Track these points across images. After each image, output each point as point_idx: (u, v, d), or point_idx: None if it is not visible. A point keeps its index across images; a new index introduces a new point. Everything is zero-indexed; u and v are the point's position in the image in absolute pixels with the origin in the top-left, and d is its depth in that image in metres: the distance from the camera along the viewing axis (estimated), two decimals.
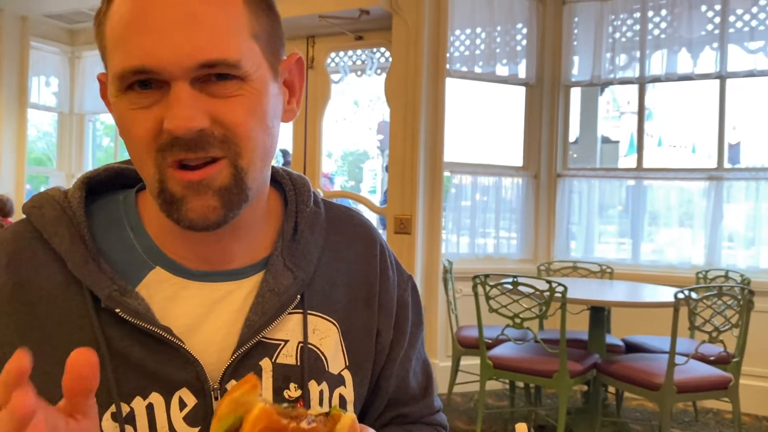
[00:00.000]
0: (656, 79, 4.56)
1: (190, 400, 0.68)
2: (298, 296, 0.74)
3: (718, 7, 4.30)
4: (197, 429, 0.68)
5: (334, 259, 0.80)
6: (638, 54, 4.51)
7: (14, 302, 0.67)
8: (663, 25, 4.45)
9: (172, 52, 0.60)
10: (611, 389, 3.76)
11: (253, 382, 0.54)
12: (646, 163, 4.64)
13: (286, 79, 0.72)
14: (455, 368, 3.77)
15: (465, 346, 3.68)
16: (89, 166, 6.20)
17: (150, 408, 0.67)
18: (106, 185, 0.77)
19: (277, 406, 0.54)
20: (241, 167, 0.64)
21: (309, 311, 0.75)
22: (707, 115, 4.57)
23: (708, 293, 2.94)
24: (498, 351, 3.28)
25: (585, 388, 3.65)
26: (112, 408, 0.66)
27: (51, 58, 5.95)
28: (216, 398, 0.68)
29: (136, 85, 0.61)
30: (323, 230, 0.80)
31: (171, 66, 0.60)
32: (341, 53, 4.89)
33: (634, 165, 4.70)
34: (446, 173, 4.51)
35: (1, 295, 0.68)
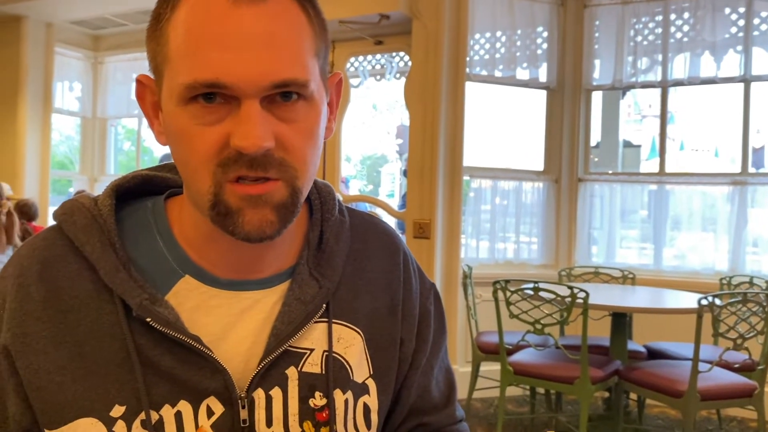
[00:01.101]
0: (679, 83, 4.51)
1: (218, 409, 0.68)
2: (324, 305, 0.74)
3: (742, 10, 4.25)
4: None
5: (358, 267, 0.80)
6: (660, 57, 4.47)
7: (48, 310, 0.68)
8: (686, 28, 4.40)
9: (248, 71, 0.60)
10: (633, 396, 3.71)
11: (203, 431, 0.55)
12: (669, 168, 4.59)
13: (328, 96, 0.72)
14: (475, 374, 3.75)
15: (485, 351, 3.66)
16: (111, 169, 6.27)
17: (178, 415, 0.67)
18: (133, 192, 0.77)
19: None
20: (297, 187, 0.66)
21: (334, 320, 0.75)
22: (731, 118, 4.52)
23: (732, 300, 2.90)
24: (518, 357, 3.26)
25: (606, 394, 3.61)
26: (142, 415, 0.66)
27: (75, 63, 6.04)
28: (243, 407, 0.69)
29: (200, 97, 0.62)
30: (348, 239, 0.80)
31: (246, 84, 0.60)
32: (360, 58, 4.91)
33: (656, 169, 4.65)
34: (466, 177, 4.49)
35: (34, 302, 0.68)
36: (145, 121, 5.67)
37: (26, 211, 4.00)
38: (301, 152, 0.65)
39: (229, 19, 0.60)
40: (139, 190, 0.78)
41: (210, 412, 0.68)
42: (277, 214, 0.65)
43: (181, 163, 0.67)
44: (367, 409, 0.76)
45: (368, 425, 0.76)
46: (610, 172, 5.25)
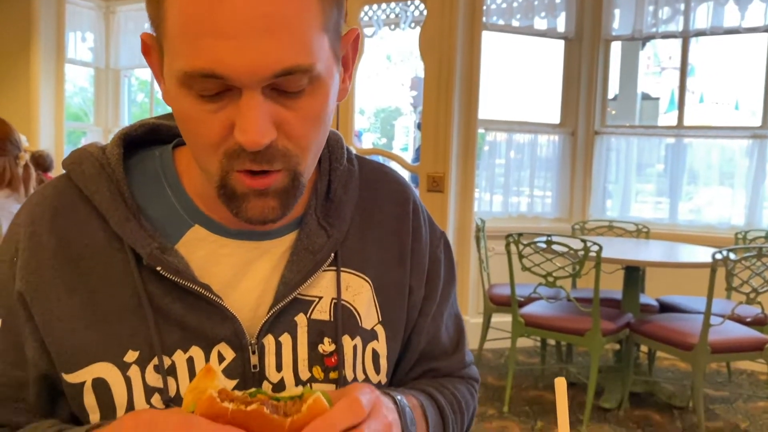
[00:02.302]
0: (701, 33, 4.39)
1: (229, 354, 0.70)
2: (332, 254, 0.75)
3: None
4: (235, 381, 0.70)
5: (367, 216, 0.80)
6: (682, 6, 4.34)
7: (59, 257, 0.69)
8: None
9: (246, 62, 0.56)
10: (644, 348, 3.74)
11: (207, 367, 0.56)
12: (687, 121, 4.52)
13: (342, 55, 0.69)
14: (486, 325, 3.79)
15: (497, 303, 3.69)
16: (125, 121, 6.27)
17: (190, 361, 0.69)
18: (141, 140, 0.77)
19: (235, 392, 0.56)
20: (299, 172, 0.65)
21: (342, 268, 0.76)
22: (753, 70, 4.41)
23: (747, 254, 2.89)
24: (530, 309, 3.29)
25: (617, 347, 3.65)
26: (155, 360, 0.68)
27: (86, 13, 5.98)
28: (253, 353, 0.70)
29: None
30: (357, 188, 0.80)
31: (245, 76, 0.57)
32: (375, 6, 4.81)
33: (674, 122, 4.58)
34: (480, 130, 4.45)
35: (46, 250, 0.69)
36: None
37: (41, 163, 4.03)
38: (306, 139, 0.63)
39: (224, 2, 0.55)
40: (147, 139, 0.78)
41: (221, 358, 0.70)
42: (279, 201, 0.65)
43: (186, 140, 0.66)
44: (375, 355, 0.78)
45: (377, 370, 0.78)
46: (628, 125, 5.17)
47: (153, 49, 0.65)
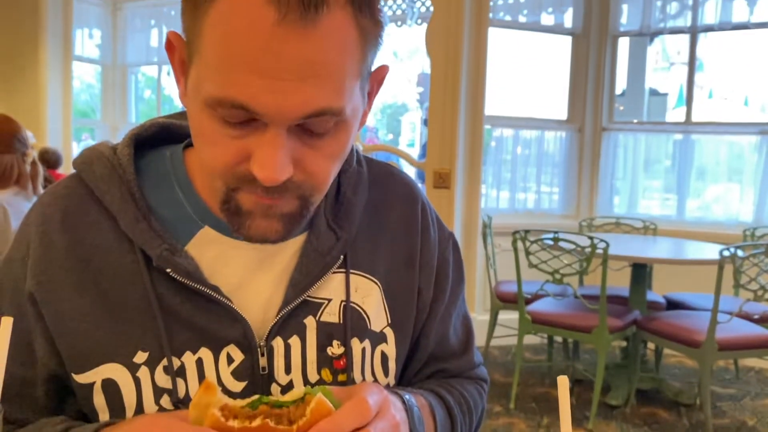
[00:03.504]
0: (709, 29, 4.37)
1: (238, 356, 0.70)
2: (342, 256, 0.75)
3: None
4: (244, 383, 0.70)
5: (376, 218, 0.80)
6: (691, 2, 4.32)
7: (70, 258, 0.69)
8: None
9: (280, 102, 0.56)
10: (651, 346, 3.74)
11: (206, 383, 0.56)
12: (696, 117, 4.50)
13: (368, 91, 0.68)
14: (493, 322, 3.79)
15: (503, 300, 3.69)
16: (132, 117, 6.29)
17: (199, 362, 0.69)
18: (151, 140, 0.77)
19: (237, 404, 0.57)
20: (311, 201, 0.65)
21: (351, 271, 0.76)
22: (762, 66, 4.38)
23: (755, 251, 2.88)
24: (537, 306, 3.28)
25: (624, 344, 3.64)
26: (164, 362, 0.68)
27: (93, 10, 5.99)
28: (262, 354, 0.70)
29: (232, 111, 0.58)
30: (366, 190, 0.80)
31: (276, 115, 0.57)
32: (381, 3, 4.80)
33: (682, 118, 4.55)
34: (487, 126, 4.44)
35: (57, 250, 0.70)
36: (165, 70, 5.61)
37: (47, 159, 4.04)
38: (323, 174, 0.63)
39: (272, 39, 0.54)
40: (158, 138, 0.78)
41: (230, 360, 0.70)
42: (283, 224, 0.64)
43: (197, 149, 0.66)
44: (384, 357, 0.78)
45: (386, 372, 0.78)
46: (635, 121, 5.14)
47: (178, 51, 0.64)
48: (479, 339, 4.02)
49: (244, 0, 0.54)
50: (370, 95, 0.69)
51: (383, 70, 0.68)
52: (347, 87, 0.59)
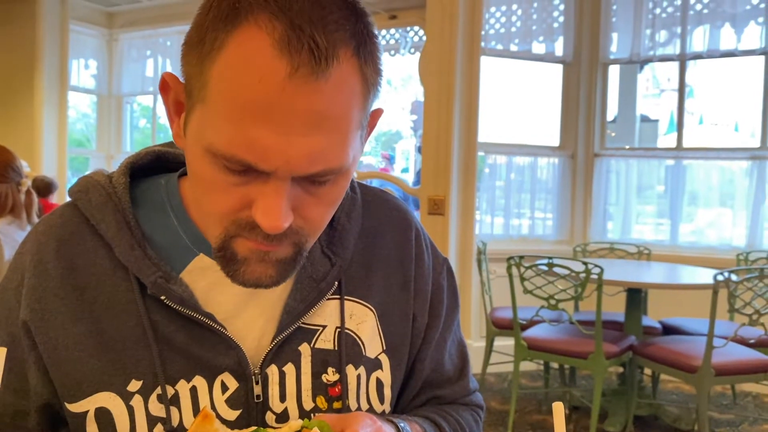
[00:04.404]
0: (698, 56, 4.43)
1: (232, 384, 0.70)
2: (336, 283, 0.75)
3: None
4: (238, 411, 0.70)
5: (370, 244, 0.80)
6: (679, 30, 4.39)
7: (65, 286, 0.69)
8: None
9: (288, 160, 0.56)
10: (647, 371, 3.72)
11: (204, 413, 0.56)
12: (687, 143, 4.54)
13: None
14: (489, 349, 3.77)
15: (499, 326, 3.68)
16: (127, 147, 6.31)
17: (194, 390, 0.69)
18: (147, 168, 0.78)
19: None
20: (305, 247, 0.65)
21: (346, 297, 0.76)
22: (751, 92, 4.44)
23: (749, 275, 2.88)
24: (532, 332, 3.27)
25: (621, 369, 3.62)
26: (158, 390, 0.68)
27: (89, 40, 6.05)
28: (257, 383, 0.70)
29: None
30: (360, 216, 0.80)
31: (282, 170, 0.57)
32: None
33: (673, 144, 4.60)
34: (480, 153, 4.47)
35: (52, 279, 0.70)
36: (160, 99, 5.71)
37: (37, 186, 4.04)
38: (320, 220, 0.64)
39: (283, 93, 0.54)
40: (153, 167, 0.78)
41: (224, 388, 0.70)
42: (278, 270, 0.64)
43: (195, 194, 0.66)
44: (380, 384, 0.78)
45: (381, 399, 0.78)
46: (627, 147, 5.19)
47: (173, 93, 0.64)
48: (475, 366, 4.00)
49: (256, 52, 0.54)
50: (365, 137, 0.69)
51: (378, 113, 0.68)
52: (351, 138, 0.59)
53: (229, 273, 0.64)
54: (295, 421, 0.62)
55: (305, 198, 0.61)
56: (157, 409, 0.68)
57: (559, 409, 0.57)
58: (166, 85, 0.65)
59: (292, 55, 0.53)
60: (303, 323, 0.73)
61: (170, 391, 0.68)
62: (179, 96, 0.63)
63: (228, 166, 0.58)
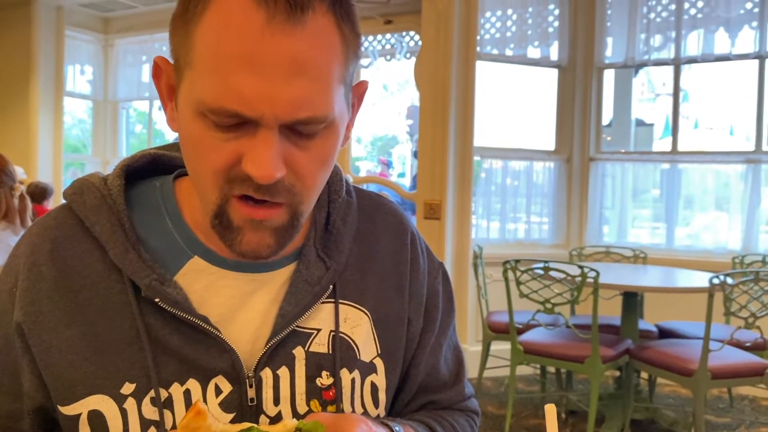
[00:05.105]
0: (692, 60, 4.45)
1: (226, 387, 0.69)
2: (331, 286, 0.75)
3: None
4: (232, 415, 0.70)
5: (365, 248, 0.80)
6: (673, 34, 4.41)
7: (59, 289, 0.69)
8: (700, 4, 4.33)
9: (272, 105, 0.58)
10: (644, 375, 3.72)
11: (197, 409, 0.56)
12: (682, 146, 4.55)
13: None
14: (485, 353, 3.77)
15: (495, 331, 3.68)
16: (123, 152, 6.31)
17: (187, 394, 0.69)
18: (142, 171, 0.78)
19: (230, 429, 0.57)
20: (300, 211, 0.66)
21: (341, 300, 0.76)
22: (745, 96, 4.46)
23: (744, 278, 2.89)
24: (529, 336, 3.27)
25: (617, 373, 3.62)
26: (152, 393, 0.68)
27: (85, 46, 6.05)
28: (251, 386, 0.70)
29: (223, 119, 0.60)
30: (355, 220, 0.80)
31: (268, 118, 0.59)
32: (370, 38, 4.88)
33: (669, 148, 4.61)
34: (476, 158, 4.48)
35: (46, 281, 0.69)
36: (156, 105, 5.67)
37: (31, 192, 4.03)
38: (312, 179, 0.65)
39: (263, 39, 0.57)
40: (148, 169, 0.78)
41: (218, 391, 0.69)
42: (275, 238, 0.66)
43: (189, 166, 0.67)
44: (374, 388, 0.77)
45: (375, 403, 0.77)
46: (623, 151, 5.21)
47: (165, 76, 0.67)
48: (472, 370, 4.00)
49: (234, 6, 0.58)
50: (354, 108, 0.72)
51: (364, 85, 0.72)
52: (334, 90, 0.62)
53: (228, 242, 0.66)
54: (290, 421, 0.62)
55: (295, 152, 0.62)
56: (150, 412, 0.67)
57: (551, 411, 0.57)
58: (158, 69, 0.68)
59: (268, 4, 0.57)
60: (297, 326, 0.72)
61: (164, 394, 0.68)
62: (170, 78, 0.66)
63: (217, 122, 0.60)
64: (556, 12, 4.58)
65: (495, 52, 4.53)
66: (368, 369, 0.77)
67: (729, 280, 2.85)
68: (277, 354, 0.71)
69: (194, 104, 0.61)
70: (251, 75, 0.58)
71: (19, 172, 2.64)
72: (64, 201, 0.75)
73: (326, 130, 0.63)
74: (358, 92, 0.71)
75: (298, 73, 0.58)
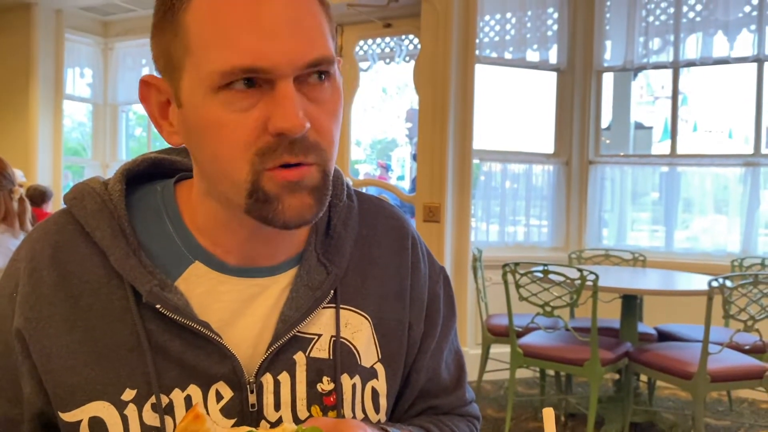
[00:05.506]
0: (691, 63, 4.46)
1: (227, 393, 0.69)
2: (332, 291, 0.75)
3: None
4: (233, 421, 0.70)
5: (366, 252, 0.80)
6: (672, 38, 4.41)
7: (59, 294, 0.69)
8: (698, 7, 4.34)
9: (283, 53, 0.61)
10: (643, 378, 3.72)
11: (195, 413, 0.56)
12: (681, 149, 4.55)
13: None
14: (485, 356, 3.77)
15: (495, 334, 3.68)
16: (123, 155, 6.31)
17: (188, 399, 0.68)
18: (143, 175, 0.77)
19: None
20: (328, 170, 0.66)
21: (342, 305, 0.76)
22: (744, 99, 4.46)
23: (743, 281, 2.89)
24: (528, 339, 3.27)
25: (616, 376, 3.62)
26: (152, 399, 0.67)
27: (85, 49, 6.05)
28: (252, 391, 0.70)
29: (239, 83, 0.61)
30: (356, 224, 0.80)
31: (283, 65, 0.61)
32: (369, 41, 4.88)
33: (668, 151, 4.61)
34: (476, 160, 4.48)
35: (46, 286, 0.69)
36: None
37: (30, 195, 4.03)
38: (330, 134, 0.66)
39: (260, 5, 0.61)
40: (149, 173, 0.78)
41: (219, 397, 0.69)
42: (314, 198, 0.65)
43: (209, 158, 0.65)
44: (375, 393, 0.77)
45: (376, 409, 0.77)
46: (622, 154, 5.21)
47: (154, 90, 0.67)
48: (471, 373, 3.99)
49: None
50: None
51: (340, 61, 0.74)
52: (328, 38, 0.65)
53: (268, 217, 0.64)
54: (290, 425, 0.62)
55: (309, 106, 0.63)
56: (151, 418, 0.67)
57: (549, 415, 0.57)
58: (146, 89, 0.69)
59: None
60: (298, 332, 0.72)
61: (165, 400, 0.68)
62: (162, 93, 0.67)
63: (230, 97, 0.61)
64: (555, 15, 4.59)
65: (494, 55, 4.54)
66: (369, 374, 0.77)
67: (728, 283, 2.85)
68: (278, 359, 0.71)
69: (206, 83, 0.61)
70: (259, 35, 0.60)
71: (19, 175, 2.65)
72: (64, 205, 0.75)
73: (330, 83, 0.65)
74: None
75: (297, 28, 0.62)
